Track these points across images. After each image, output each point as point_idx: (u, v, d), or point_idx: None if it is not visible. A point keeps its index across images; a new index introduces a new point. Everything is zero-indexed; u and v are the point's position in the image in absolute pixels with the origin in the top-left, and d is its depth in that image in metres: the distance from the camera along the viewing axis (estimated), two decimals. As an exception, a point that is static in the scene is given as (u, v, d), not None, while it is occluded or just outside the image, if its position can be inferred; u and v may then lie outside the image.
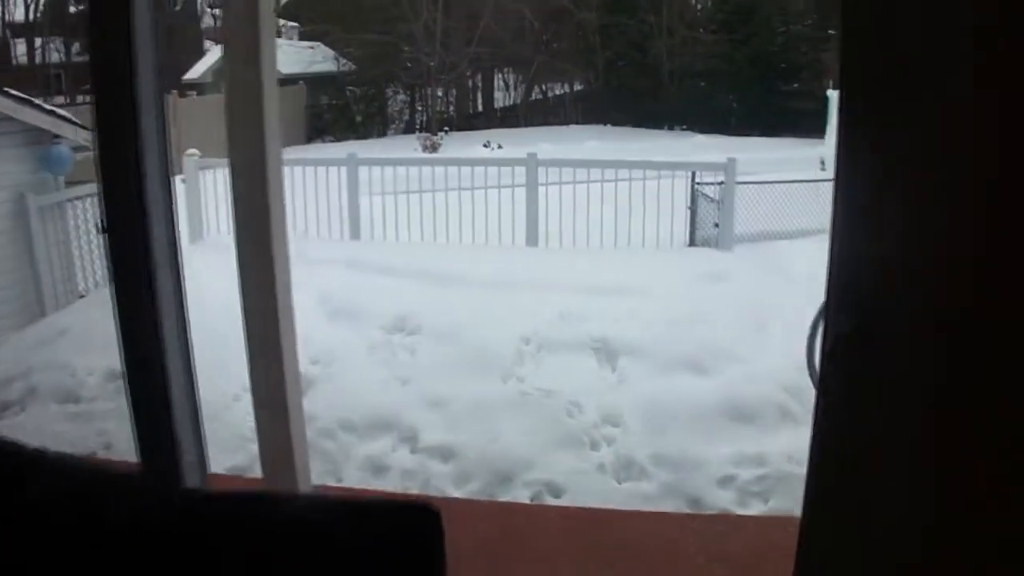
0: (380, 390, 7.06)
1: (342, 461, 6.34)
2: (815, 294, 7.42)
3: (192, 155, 12.48)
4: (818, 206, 18.30)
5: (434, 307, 8.43)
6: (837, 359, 2.04)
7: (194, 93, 38.30)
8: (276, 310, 4.34)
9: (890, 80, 1.82)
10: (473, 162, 12.45)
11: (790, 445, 6.16)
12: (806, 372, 7.08)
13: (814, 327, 3.90)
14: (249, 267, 4.29)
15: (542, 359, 7.41)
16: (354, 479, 6.17)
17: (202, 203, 12.45)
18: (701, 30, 41.41)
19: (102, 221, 2.88)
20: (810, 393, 6.72)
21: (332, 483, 6.16)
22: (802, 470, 5.81)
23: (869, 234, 1.91)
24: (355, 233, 12.25)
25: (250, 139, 4.06)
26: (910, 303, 1.83)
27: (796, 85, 37.84)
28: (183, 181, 12.37)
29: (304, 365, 7.33)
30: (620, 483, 5.98)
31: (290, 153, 32.49)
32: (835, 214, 2.03)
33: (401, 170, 12.86)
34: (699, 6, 44.82)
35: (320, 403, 6.85)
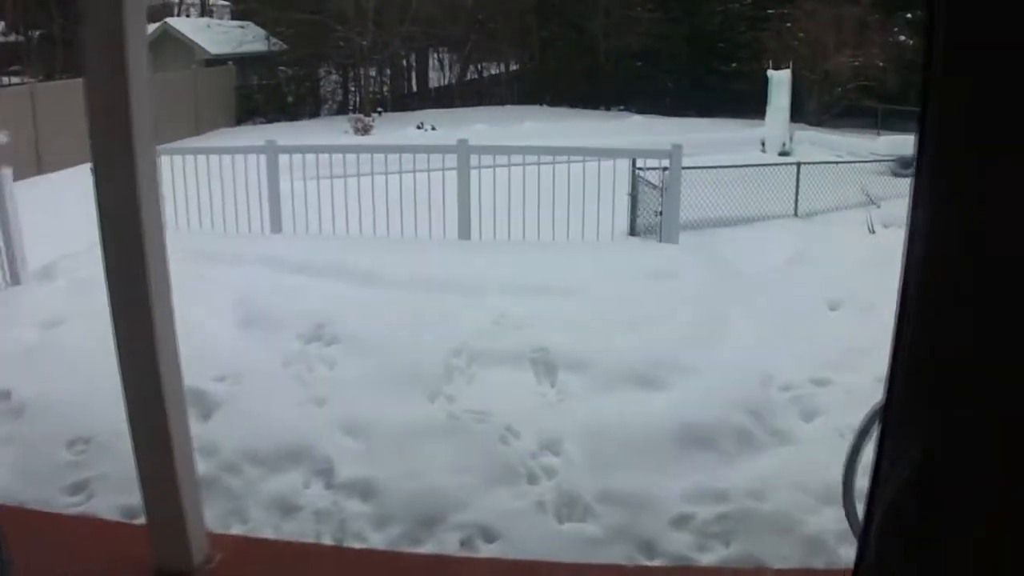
0: (293, 413, 6.28)
1: (247, 500, 5.57)
2: (765, 291, 6.74)
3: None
4: (760, 191, 17.90)
5: (356, 312, 7.68)
6: (900, 513, 1.35)
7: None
8: (152, 329, 3.64)
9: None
10: (401, 149, 11.72)
11: (752, 476, 5.49)
12: (764, 387, 6.45)
13: (859, 440, 3.11)
14: (119, 279, 3.62)
15: (474, 374, 6.67)
16: (260, 522, 5.41)
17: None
18: (639, 8, 40.90)
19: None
20: (771, 414, 6.08)
21: (236, 527, 5.41)
22: (766, 507, 5.16)
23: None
24: (276, 226, 11.49)
25: (113, 130, 3.38)
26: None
27: (734, 65, 37.53)
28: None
29: (208, 383, 6.58)
30: (561, 524, 5.25)
31: (215, 138, 31.75)
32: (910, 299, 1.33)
33: (325, 155, 12.11)
34: (636, -16, 44.18)
35: (224, 430, 6.08)
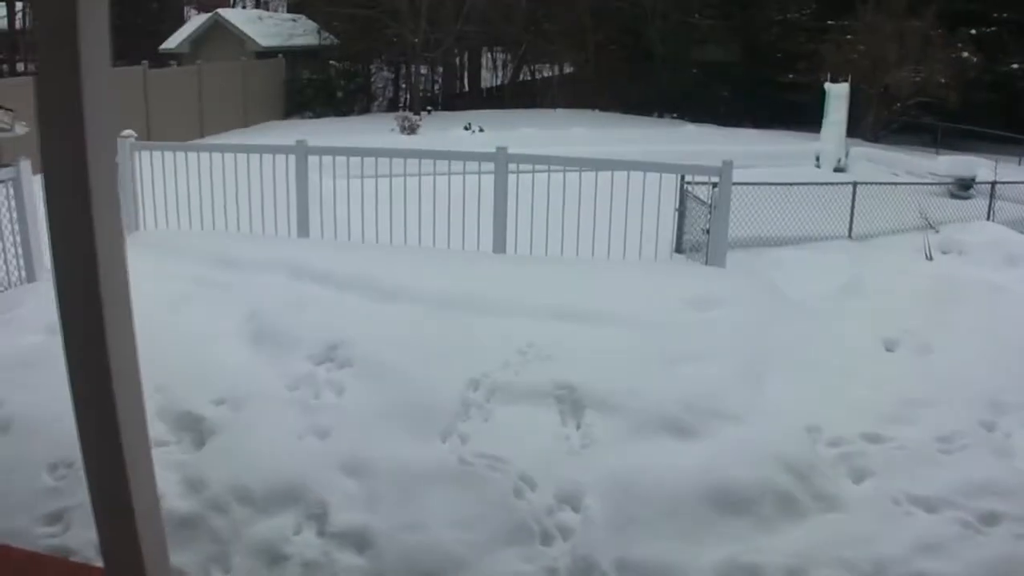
0: (292, 445, 5.77)
1: (232, 545, 5.06)
2: (816, 326, 6.12)
3: (127, 136, 11.19)
4: (814, 209, 17.23)
5: (374, 331, 7.15)
6: None
7: (175, 63, 37.14)
8: (106, 352, 3.13)
9: None
10: (436, 154, 11.14)
11: (792, 549, 4.91)
12: (810, 442, 5.85)
13: None
14: (70, 307, 3.10)
15: (492, 411, 6.10)
16: (243, 570, 4.89)
17: (139, 190, 11.20)
18: (696, 16, 40.27)
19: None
20: (817, 473, 5.47)
21: (217, 574, 4.90)
22: (808, 587, 4.56)
23: None
24: (303, 230, 10.96)
25: (65, 144, 2.86)
26: None
27: (791, 76, 36.78)
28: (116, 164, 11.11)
29: (206, 407, 6.04)
30: (574, 596, 4.71)
31: (264, 130, 31.44)
32: None
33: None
34: (695, -10, 43.56)
35: (216, 461, 5.60)
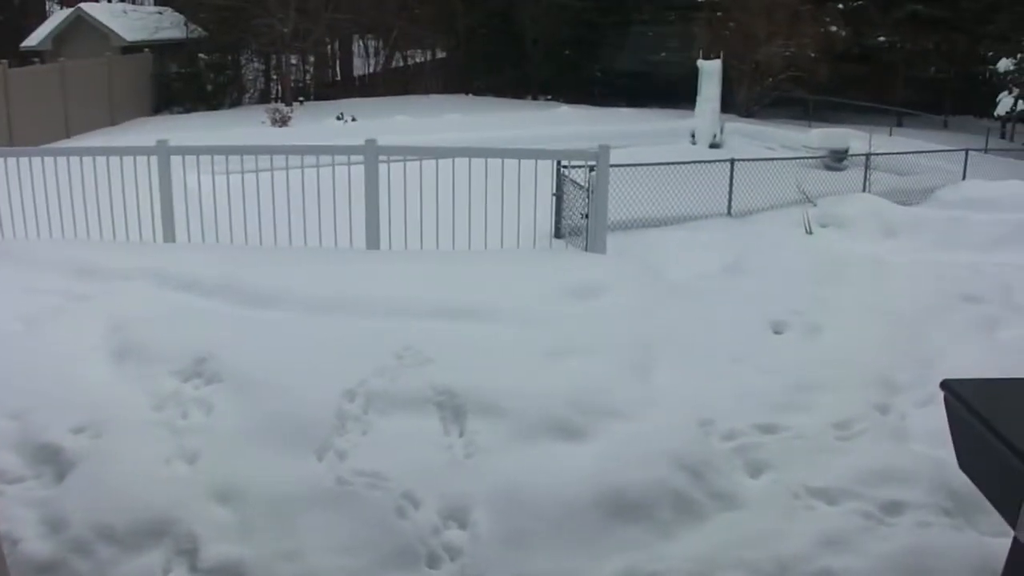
0: (159, 473, 5.35)
1: (93, 588, 4.66)
2: (701, 309, 5.87)
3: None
4: (694, 187, 17.19)
5: (244, 342, 6.75)
6: None
7: (37, 61, 36.03)
8: None
9: None
10: (304, 149, 10.75)
11: (694, 553, 4.67)
12: (704, 436, 5.63)
13: None
14: None
15: (370, 423, 5.74)
16: (106, 618, 4.50)
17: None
18: (566, -4, 40.23)
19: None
20: (713, 470, 5.22)
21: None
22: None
23: None
24: (169, 235, 10.47)
25: None
26: None
27: (664, 55, 37.05)
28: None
29: (64, 436, 5.51)
30: (466, 621, 4.41)
31: (132, 128, 30.60)
32: None
33: (236, 145, 11.17)
34: (565, -29, 43.53)
35: (77, 497, 5.15)
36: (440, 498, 5.07)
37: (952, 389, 3.58)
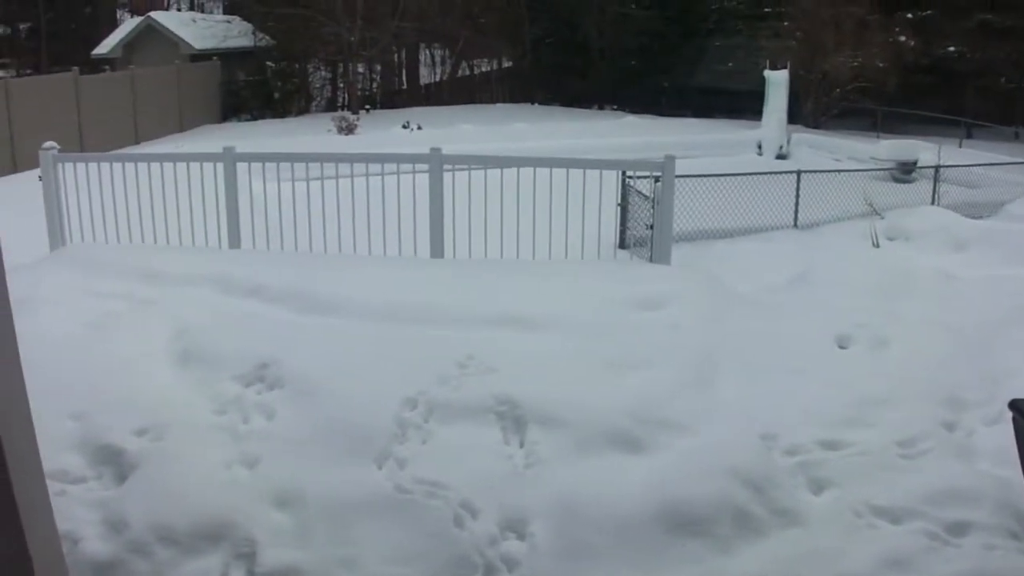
0: (219, 477, 5.39)
1: (152, 590, 4.69)
2: (766, 322, 5.80)
3: (49, 148, 10.73)
4: (761, 199, 17.06)
5: (307, 348, 6.77)
6: None
7: (108, 68, 36.59)
8: None
9: None
10: (369, 157, 10.83)
11: (753, 571, 4.62)
12: (766, 451, 5.56)
13: None
14: None
15: (431, 432, 5.74)
16: (164, 620, 4.53)
17: (63, 203, 10.76)
18: (633, 6, 40.16)
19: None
20: (774, 486, 5.16)
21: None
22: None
23: None
24: (234, 240, 10.56)
25: None
26: None
27: (731, 64, 36.83)
28: (40, 178, 10.71)
29: (127, 438, 5.61)
30: (522, 635, 4.40)
31: (201, 134, 30.95)
32: None
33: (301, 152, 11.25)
34: (631, -19, 43.50)
35: (138, 498, 5.21)
36: (499, 508, 5.06)
37: (1020, 409, 3.50)
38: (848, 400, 6.20)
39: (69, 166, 10.95)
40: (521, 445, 5.69)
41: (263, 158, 10.80)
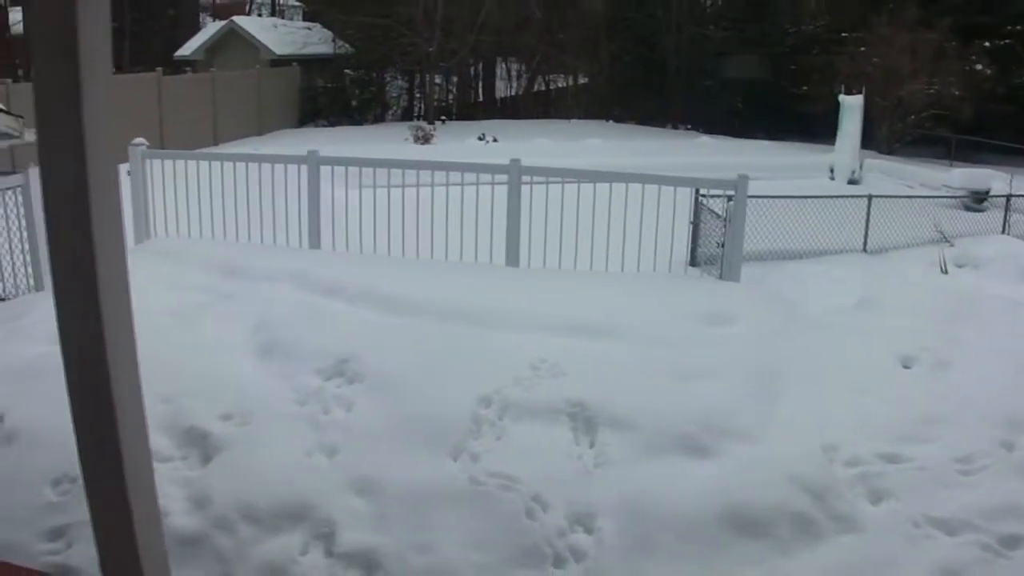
0: (300, 463, 5.68)
1: (236, 565, 4.98)
2: (831, 341, 6.01)
3: (139, 144, 11.12)
4: (829, 222, 17.15)
5: (384, 346, 7.04)
6: None
7: (189, 70, 37.27)
8: (106, 365, 3.04)
9: None
10: (449, 166, 11.02)
11: (811, 573, 4.81)
12: (827, 462, 5.75)
13: None
14: (70, 308, 3.02)
15: (504, 429, 6.00)
16: (247, 592, 4.82)
17: (150, 198, 11.14)
18: (711, 27, 40.28)
19: None
20: (834, 495, 5.36)
21: (220, 594, 4.83)
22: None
23: None
24: (314, 241, 10.90)
25: (66, 144, 2.80)
26: None
27: (806, 88, 36.71)
28: (128, 173, 11.10)
29: (213, 422, 5.95)
30: (587, 621, 4.63)
31: (278, 138, 31.46)
32: None
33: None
34: (709, 2, 43.72)
35: (222, 478, 5.52)
36: (568, 504, 5.29)
37: None
38: (909, 417, 6.36)
39: (156, 162, 11.34)
40: (591, 446, 5.92)
41: (346, 162, 11.09)
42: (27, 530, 5.32)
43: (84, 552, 5.08)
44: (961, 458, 5.90)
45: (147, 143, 11.43)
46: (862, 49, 34.16)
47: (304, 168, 10.94)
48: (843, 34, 36.31)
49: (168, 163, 11.39)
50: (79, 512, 5.28)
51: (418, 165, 11.18)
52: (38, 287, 9.33)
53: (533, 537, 5.04)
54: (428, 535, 5.05)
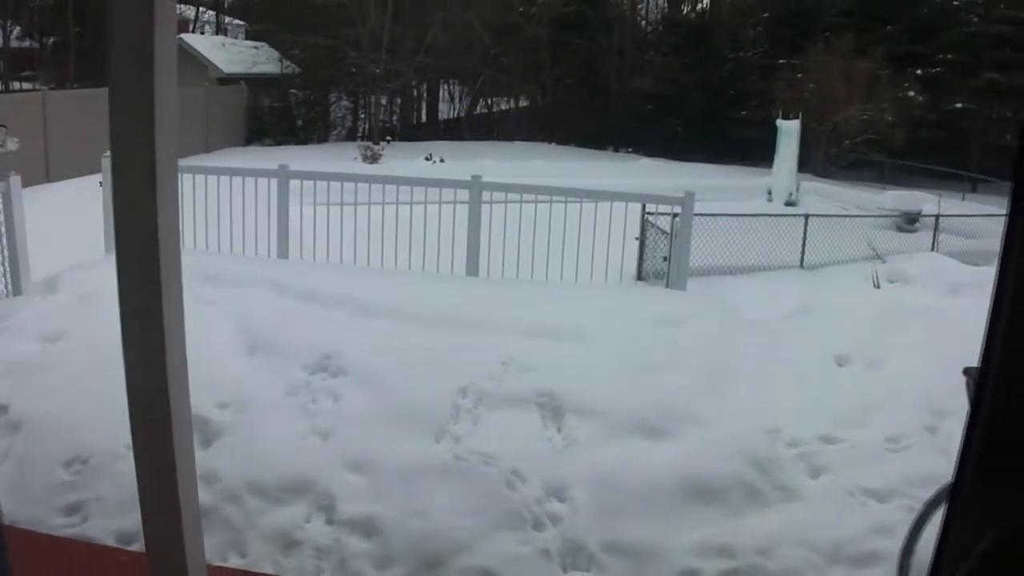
0: (296, 444, 6.23)
1: (247, 532, 5.52)
2: (772, 342, 6.69)
3: (107, 157, 11.56)
4: (767, 241, 17.92)
5: (363, 345, 7.60)
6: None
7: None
8: (163, 350, 3.55)
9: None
10: (414, 181, 11.61)
11: (760, 532, 5.45)
12: (771, 442, 6.40)
13: (924, 514, 3.13)
14: (132, 298, 3.51)
15: (480, 415, 6.61)
16: (259, 555, 5.36)
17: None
18: (652, 52, 41.20)
19: None
20: (778, 469, 6.02)
21: (234, 559, 5.37)
22: (775, 565, 5.10)
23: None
24: (283, 251, 11.43)
25: (138, 147, 3.32)
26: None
27: (744, 113, 37.72)
28: (100, 184, 11.54)
29: (211, 410, 6.52)
30: (566, 573, 5.24)
31: (225, 156, 31.79)
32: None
33: (334, 182, 12.05)
34: (651, 29, 44.70)
35: (225, 458, 6.04)
36: (542, 478, 5.90)
37: (972, 375, 4.24)
38: (844, 406, 7.03)
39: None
40: (559, 430, 6.54)
41: (316, 176, 11.65)
42: (43, 506, 5.78)
43: (100, 525, 5.59)
44: (890, 439, 6.57)
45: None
46: (799, 76, 35.15)
47: (274, 182, 11.45)
48: (780, 61, 37.31)
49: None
50: (93, 489, 5.81)
51: (386, 180, 11.71)
52: (16, 292, 9.68)
53: (514, 505, 5.63)
54: (420, 504, 5.62)
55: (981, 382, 1.29)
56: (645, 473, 5.93)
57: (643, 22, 45.87)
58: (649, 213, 14.93)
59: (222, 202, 11.38)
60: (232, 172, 11.85)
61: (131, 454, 5.22)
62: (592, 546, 5.34)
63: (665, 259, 12.50)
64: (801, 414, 6.87)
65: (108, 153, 11.66)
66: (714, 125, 38.81)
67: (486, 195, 11.14)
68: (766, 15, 41.47)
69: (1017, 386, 1.21)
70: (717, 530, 5.47)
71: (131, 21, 3.23)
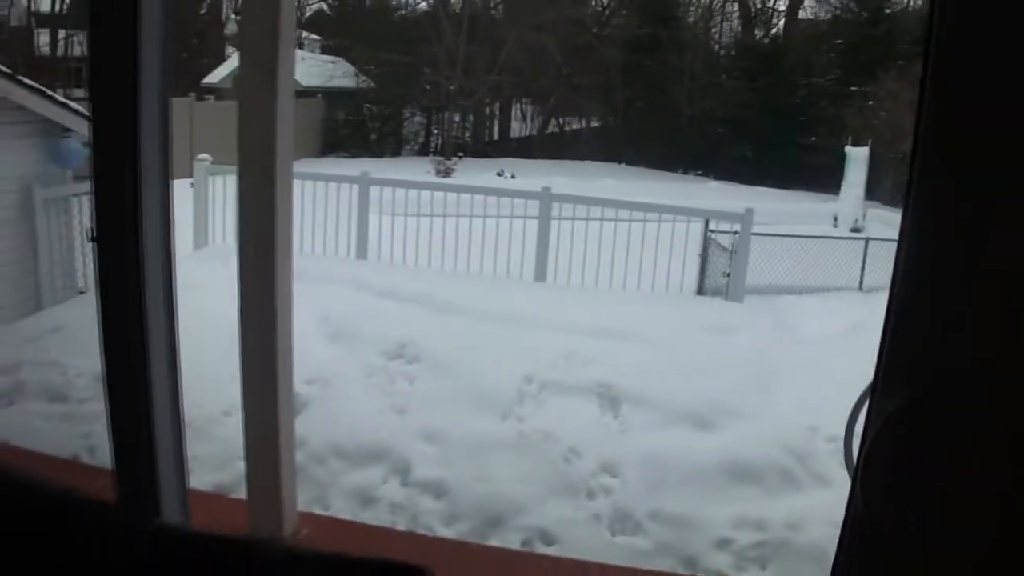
0: (375, 418, 6.89)
1: (330, 489, 6.16)
2: (821, 353, 7.22)
3: (203, 160, 12.33)
4: (827, 262, 18.30)
5: (436, 336, 8.24)
6: (885, 438, 1.75)
7: (212, 97, 38.39)
8: (275, 327, 4.16)
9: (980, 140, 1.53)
10: (487, 191, 12.29)
11: (792, 511, 5.98)
12: (810, 436, 6.92)
13: (856, 409, 3.68)
14: (250, 282, 4.12)
15: (543, 400, 7.23)
16: (341, 509, 5.99)
17: (209, 209, 12.32)
18: (723, 76, 41.46)
19: (92, 230, 2.66)
20: (815, 458, 6.57)
21: (318, 511, 5.99)
22: (803, 538, 5.66)
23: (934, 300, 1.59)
24: (361, 253, 12.11)
25: (261, 150, 3.93)
26: (971, 371, 1.54)
27: (813, 139, 37.80)
28: (192, 186, 12.25)
29: (299, 385, 7.19)
30: (614, 536, 5.81)
31: (301, 166, 32.53)
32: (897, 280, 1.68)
33: (413, 192, 12.69)
34: (723, 52, 44.96)
35: (312, 426, 6.68)
36: (597, 456, 6.49)
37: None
38: (883, 410, 7.52)
39: (219, 178, 12.51)
40: (615, 417, 7.14)
41: (395, 184, 12.32)
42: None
43: (199, 479, 6.22)
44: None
45: (211, 159, 12.60)
46: (870, 103, 35.25)
47: (355, 187, 12.13)
48: (852, 88, 37.43)
49: (224, 179, 12.51)
50: (192, 449, 6.44)
51: (461, 189, 12.43)
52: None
53: (570, 477, 6.23)
54: (486, 471, 6.23)
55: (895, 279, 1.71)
56: (691, 456, 6.49)
57: (716, 46, 46.14)
58: (711, 231, 15.40)
59: (305, 207, 12.03)
60: (316, 177, 12.55)
61: (227, 419, 5.89)
62: (639, 515, 5.91)
63: (725, 275, 13.01)
64: (842, 416, 7.34)
65: (200, 156, 12.42)
66: (784, 150, 38.87)
67: (555, 211, 11.72)
68: (839, 41, 41.58)
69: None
70: (753, 507, 6.01)
71: (259, 41, 3.85)
